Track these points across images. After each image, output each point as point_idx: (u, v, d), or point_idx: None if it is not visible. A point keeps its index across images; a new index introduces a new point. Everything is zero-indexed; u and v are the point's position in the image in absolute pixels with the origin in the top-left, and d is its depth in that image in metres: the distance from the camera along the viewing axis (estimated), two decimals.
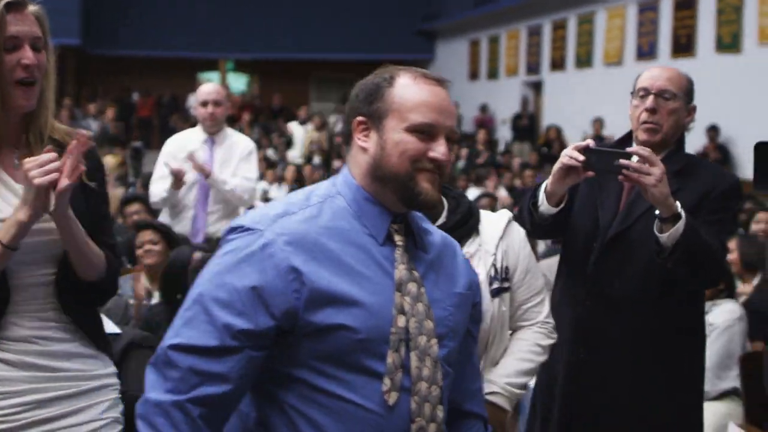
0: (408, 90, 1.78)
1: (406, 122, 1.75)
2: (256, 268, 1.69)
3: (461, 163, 13.64)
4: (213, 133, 5.25)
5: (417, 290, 1.77)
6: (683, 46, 12.99)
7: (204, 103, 5.22)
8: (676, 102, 2.80)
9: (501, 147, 16.98)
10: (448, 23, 21.07)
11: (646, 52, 13.91)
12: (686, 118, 2.86)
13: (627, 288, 2.79)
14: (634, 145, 2.83)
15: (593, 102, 14.81)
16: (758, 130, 9.19)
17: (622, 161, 2.57)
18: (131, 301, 4.17)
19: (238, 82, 24.21)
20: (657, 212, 2.60)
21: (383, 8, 21.86)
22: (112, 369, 2.26)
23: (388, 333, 1.72)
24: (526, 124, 16.86)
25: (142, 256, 4.34)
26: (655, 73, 2.87)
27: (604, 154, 2.62)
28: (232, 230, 1.75)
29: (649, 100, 2.79)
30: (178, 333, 1.69)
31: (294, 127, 17.17)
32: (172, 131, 5.83)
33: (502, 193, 10.60)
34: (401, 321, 1.73)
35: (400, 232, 1.80)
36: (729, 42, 12.05)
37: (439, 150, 1.75)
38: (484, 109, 18.77)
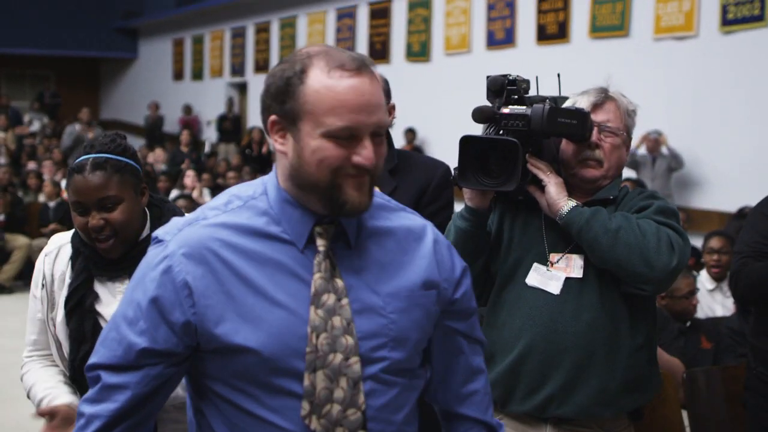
0: (321, 88, 1.53)
1: (322, 127, 1.53)
2: (157, 282, 1.59)
3: (163, 166, 13.40)
4: None
5: (335, 302, 1.59)
6: (379, 52, 13.61)
7: None
8: None
9: (207, 149, 16.88)
10: (151, 21, 20.62)
11: None
12: (389, 117, 2.94)
13: None
14: None
15: None
16: (448, 131, 9.87)
17: None
18: None
19: None
20: None
21: (83, 3, 21.00)
22: None
23: (303, 352, 1.57)
24: (230, 126, 16.85)
25: None
26: None
27: None
28: (152, 240, 1.66)
29: None
30: (96, 351, 1.65)
31: None
32: None
33: (206, 195, 10.56)
34: (315, 338, 1.57)
35: (326, 235, 1.61)
36: (418, 50, 12.81)
37: (363, 154, 1.54)
38: (188, 110, 18.56)
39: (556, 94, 2.56)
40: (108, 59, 22.70)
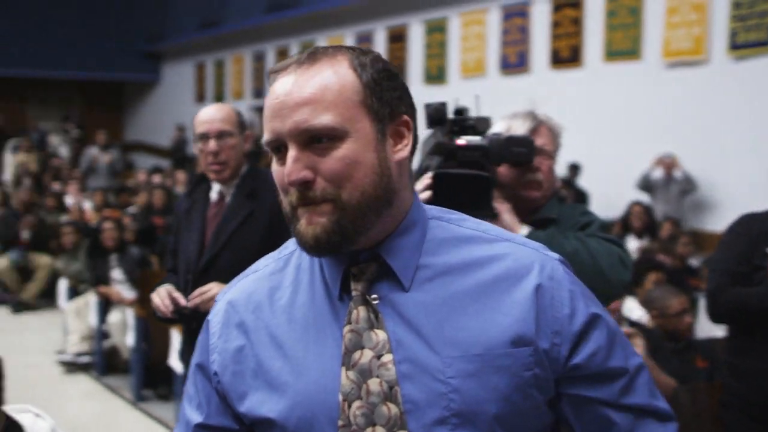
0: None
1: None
2: (201, 345, 1.39)
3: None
4: None
5: (371, 361, 1.24)
6: None
7: None
8: (234, 138, 3.12)
9: None
10: (174, 45, 20.94)
11: None
12: (245, 145, 3.20)
13: None
14: (213, 183, 3.19)
15: None
16: None
17: (192, 303, 2.95)
18: None
19: None
20: None
21: (106, 27, 21.37)
22: None
23: (336, 425, 1.24)
24: (252, 147, 17.04)
25: None
26: (207, 116, 3.14)
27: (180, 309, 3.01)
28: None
29: (211, 144, 3.08)
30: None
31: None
32: None
33: None
34: (347, 408, 1.24)
35: (362, 276, 1.28)
36: (436, 74, 13.00)
37: (286, 170, 1.23)
38: None
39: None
40: (131, 82, 23.05)
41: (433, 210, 1.36)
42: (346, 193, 1.22)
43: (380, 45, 14.25)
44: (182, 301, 3.00)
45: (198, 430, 1.37)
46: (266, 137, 1.26)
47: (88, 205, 11.59)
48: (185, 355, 3.30)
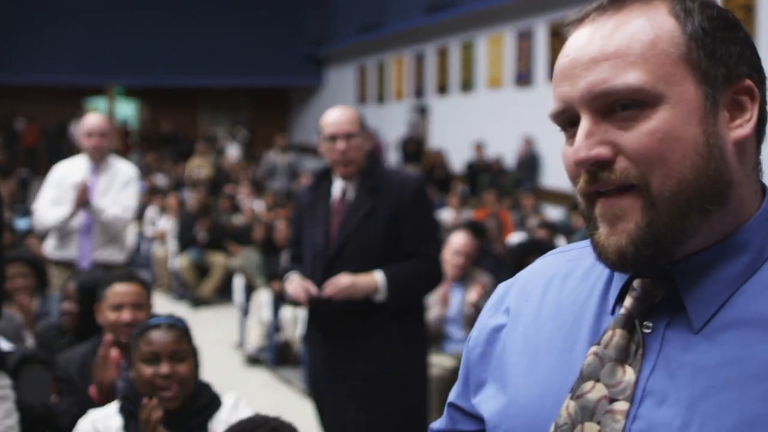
0: None
1: None
2: (478, 323, 1.16)
3: None
4: (98, 162, 5.40)
5: (600, 400, 0.94)
6: None
7: (89, 135, 5.34)
8: (358, 139, 3.40)
9: None
10: (336, 49, 21.47)
11: (524, 76, 14.55)
12: (367, 143, 3.49)
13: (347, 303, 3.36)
14: (336, 178, 3.48)
15: (475, 124, 15.42)
16: None
17: (326, 293, 3.29)
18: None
19: (127, 108, 24.05)
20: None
21: (271, 34, 22.16)
22: (7, 381, 2.51)
23: None
24: (412, 148, 17.34)
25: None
26: (335, 118, 3.43)
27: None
28: None
29: (339, 144, 3.36)
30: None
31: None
32: (61, 158, 5.97)
33: None
34: None
35: (641, 293, 0.96)
36: None
37: (574, 145, 0.94)
38: (372, 133, 19.17)
39: None
40: (296, 87, 23.80)
41: None
42: (657, 180, 0.91)
43: (541, 41, 14.14)
44: (313, 290, 3.32)
45: (449, 409, 1.17)
46: (553, 107, 0.98)
47: (257, 206, 12.07)
48: (307, 336, 3.62)
